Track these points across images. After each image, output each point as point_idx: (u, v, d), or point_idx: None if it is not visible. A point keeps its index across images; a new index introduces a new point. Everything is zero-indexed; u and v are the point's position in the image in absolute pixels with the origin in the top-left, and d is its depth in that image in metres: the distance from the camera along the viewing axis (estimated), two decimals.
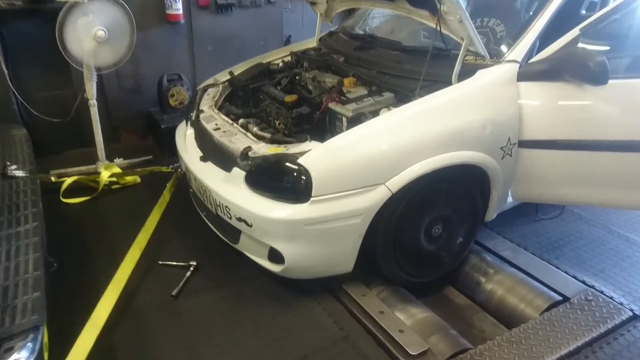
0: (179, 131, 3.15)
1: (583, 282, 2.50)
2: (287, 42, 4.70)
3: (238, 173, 2.38)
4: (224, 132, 2.68)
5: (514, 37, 2.52)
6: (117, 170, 3.47)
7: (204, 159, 2.70)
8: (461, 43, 2.43)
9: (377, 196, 2.19)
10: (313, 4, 3.42)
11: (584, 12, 2.66)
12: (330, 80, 2.90)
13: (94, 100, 3.46)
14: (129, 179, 3.40)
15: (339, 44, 3.29)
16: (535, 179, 2.59)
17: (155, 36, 4.06)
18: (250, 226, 2.27)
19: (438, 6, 2.33)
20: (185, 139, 2.96)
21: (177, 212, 3.06)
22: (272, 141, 2.56)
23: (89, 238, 2.88)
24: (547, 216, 3.01)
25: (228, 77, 3.33)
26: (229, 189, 2.39)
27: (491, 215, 2.66)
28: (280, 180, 2.24)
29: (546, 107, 2.44)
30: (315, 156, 2.17)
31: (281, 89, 3.04)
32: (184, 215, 2.98)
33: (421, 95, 2.39)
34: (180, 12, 4.01)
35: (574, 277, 2.53)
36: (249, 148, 2.40)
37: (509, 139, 2.44)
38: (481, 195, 2.55)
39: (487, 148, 2.39)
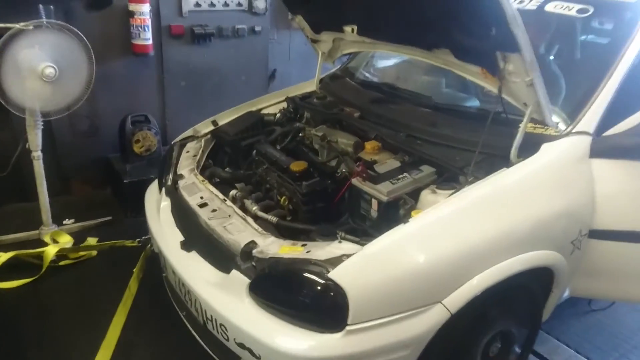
0: (149, 198, 2.50)
1: None
2: (272, 76, 4.12)
3: (238, 279, 1.76)
4: (214, 211, 2.06)
5: (580, 101, 2.03)
6: (67, 239, 2.77)
7: (186, 246, 2.06)
8: (519, 108, 1.93)
9: (432, 319, 1.63)
10: (315, 41, 2.86)
11: None
12: (344, 141, 2.34)
13: (39, 152, 2.76)
14: (83, 253, 2.71)
15: (348, 92, 2.73)
16: (605, 275, 2.11)
17: (118, 70, 3.39)
18: (258, 358, 1.66)
19: (501, 65, 1.81)
20: (159, 212, 2.31)
21: (147, 308, 2.39)
22: (279, 229, 1.97)
23: (28, 341, 2.18)
24: (600, 307, 2.54)
25: (211, 127, 2.72)
26: (225, 301, 1.77)
27: (547, 315, 2.15)
28: (302, 297, 1.64)
29: (628, 191, 1.96)
30: (353, 268, 1.59)
31: (281, 148, 2.45)
32: (156, 312, 2.32)
33: (475, 176, 1.86)
34: (150, 42, 3.36)
35: None
36: (252, 244, 1.79)
37: (580, 230, 1.95)
38: (543, 296, 2.04)
39: (558, 244, 1.88)
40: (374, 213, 1.96)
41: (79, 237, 2.89)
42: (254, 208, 2.07)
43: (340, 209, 2.12)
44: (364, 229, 1.99)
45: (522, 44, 1.68)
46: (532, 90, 1.81)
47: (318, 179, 2.15)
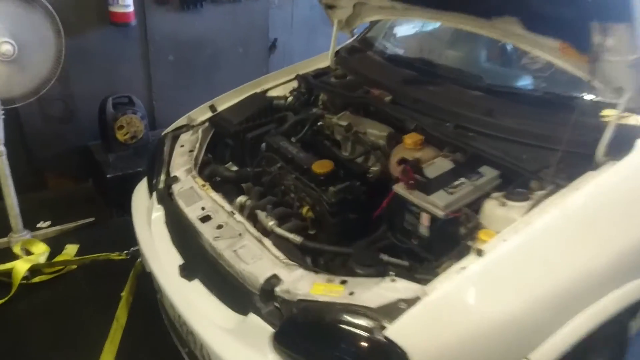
0: (137, 201, 2.07)
1: None
2: (272, 46, 3.62)
3: (258, 326, 1.36)
4: (220, 227, 1.64)
5: None
6: (42, 249, 2.34)
7: (187, 273, 1.65)
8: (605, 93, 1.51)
9: None
10: (330, 7, 2.38)
11: None
12: (375, 132, 1.91)
13: (2, 147, 2.30)
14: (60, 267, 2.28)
15: (372, 69, 2.28)
16: None
17: (95, 44, 2.89)
18: None
19: (597, 39, 1.38)
20: (151, 224, 1.88)
21: (139, 338, 1.99)
22: (304, 250, 1.57)
23: None
24: None
25: (208, 114, 2.26)
26: (242, 355, 1.36)
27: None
28: (343, 354, 1.24)
29: None
30: (415, 323, 1.18)
31: (297, 140, 2.01)
32: (151, 341, 1.92)
33: (556, 182, 1.44)
34: (131, 9, 2.85)
35: None
36: (275, 280, 1.38)
37: None
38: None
39: None
40: (423, 230, 1.55)
41: (56, 243, 2.46)
42: (271, 223, 1.65)
43: (376, 218, 1.71)
44: (410, 248, 1.59)
45: (636, 12, 1.25)
46: (634, 72, 1.38)
47: (348, 183, 1.72)
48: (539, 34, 1.57)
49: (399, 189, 1.57)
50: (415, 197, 1.53)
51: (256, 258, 1.48)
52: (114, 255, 2.26)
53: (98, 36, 2.87)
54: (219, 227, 1.64)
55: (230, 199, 1.95)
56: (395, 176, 1.77)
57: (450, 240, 1.46)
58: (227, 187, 1.98)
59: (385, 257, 1.49)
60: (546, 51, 1.61)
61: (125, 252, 2.24)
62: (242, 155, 2.15)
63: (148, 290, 1.92)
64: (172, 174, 1.95)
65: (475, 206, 1.50)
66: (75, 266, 2.32)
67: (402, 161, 1.66)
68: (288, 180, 1.83)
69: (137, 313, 2.07)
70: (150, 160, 2.15)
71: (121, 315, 2.00)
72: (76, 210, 2.74)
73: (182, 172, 1.94)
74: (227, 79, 3.36)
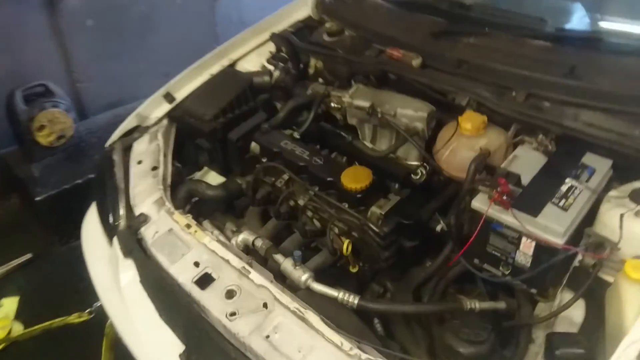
0: (91, 246, 1.50)
1: None
2: None
3: None
4: (231, 295, 1.12)
5: None
6: None
7: None
8: None
9: None
10: None
11: None
12: (410, 113, 1.39)
13: None
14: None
15: (377, 17, 1.71)
16: None
17: None
18: None
19: None
20: (121, 288, 1.32)
21: None
22: (362, 313, 1.09)
23: None
24: None
25: (166, 106, 1.66)
26: None
27: None
28: None
29: None
30: None
31: (300, 135, 1.47)
32: None
33: None
34: None
35: None
36: None
37: None
38: None
39: None
40: (522, 259, 1.10)
41: None
42: (304, 277, 1.14)
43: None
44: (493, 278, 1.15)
45: None
46: None
47: (398, 199, 1.22)
48: None
49: (493, 212, 1.09)
50: (515, 221, 1.06)
51: (305, 349, 0.99)
52: (73, 318, 1.67)
53: None
54: (230, 294, 1.12)
55: (219, 224, 1.45)
56: (449, 173, 1.30)
57: (562, 269, 1.05)
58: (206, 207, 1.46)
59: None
60: None
61: (87, 310, 1.67)
62: (224, 160, 1.59)
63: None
64: (137, 209, 1.38)
65: (589, 222, 1.07)
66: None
67: (489, 170, 1.16)
68: (303, 199, 1.31)
69: None
70: (98, 187, 1.54)
71: None
72: (4, 242, 2.10)
73: (152, 206, 1.37)
74: (166, 40, 2.69)
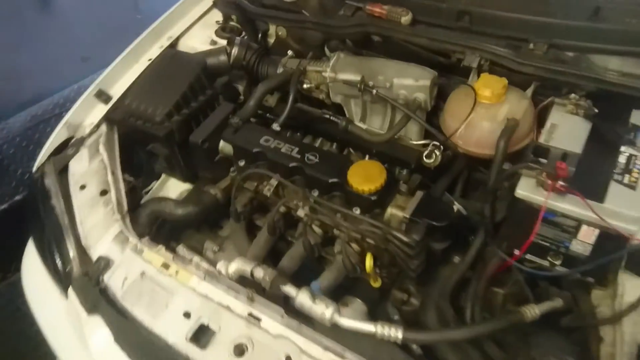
0: (35, 295, 1.21)
1: None
2: None
3: None
4: (241, 351, 0.89)
5: None
6: None
7: None
8: None
9: None
10: None
11: None
12: (409, 83, 1.15)
13: None
14: None
15: None
16: None
17: None
18: None
19: None
20: (90, 353, 1.04)
21: None
22: (406, 347, 0.90)
23: None
24: None
25: (101, 108, 1.34)
26: None
27: None
28: None
29: None
30: None
31: (281, 126, 1.20)
32: None
33: None
34: None
35: None
36: None
37: None
38: None
39: None
40: (580, 247, 0.93)
41: None
42: (329, 312, 0.92)
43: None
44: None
45: None
46: None
47: (422, 194, 1.01)
48: None
49: (551, 200, 0.89)
50: (577, 209, 0.87)
51: None
52: None
53: None
54: (239, 351, 0.89)
55: (196, 245, 1.21)
56: (467, 150, 1.10)
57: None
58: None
59: None
60: None
61: None
62: (187, 165, 1.31)
63: None
64: (93, 251, 1.08)
65: None
66: None
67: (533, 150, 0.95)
68: (303, 209, 1.07)
69: None
70: (33, 221, 1.22)
71: None
72: None
73: (112, 245, 1.08)
74: (75, 17, 2.25)
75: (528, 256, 1.02)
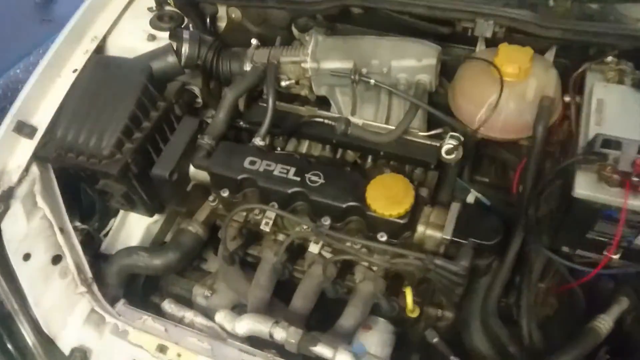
0: None
1: None
2: None
3: None
4: None
5: None
6: None
7: None
8: None
9: None
10: None
11: None
12: (411, 63, 0.96)
13: None
14: None
15: None
16: None
17: None
18: None
19: None
20: None
21: None
22: None
23: None
24: None
25: (27, 144, 1.05)
26: None
27: None
28: None
29: None
30: None
31: (263, 137, 0.98)
32: None
33: None
34: None
35: None
36: None
37: None
38: None
39: None
40: None
41: None
42: None
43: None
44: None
45: None
46: None
47: (458, 208, 0.84)
48: None
49: (607, 197, 0.75)
50: None
51: None
52: None
53: None
54: None
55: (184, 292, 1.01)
56: (491, 136, 0.93)
57: None
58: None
59: None
60: None
61: None
62: (151, 198, 1.06)
63: None
64: (61, 342, 0.85)
65: None
66: None
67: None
68: (315, 243, 0.88)
69: None
70: None
71: None
72: None
73: (85, 329, 0.85)
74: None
75: (578, 252, 0.89)
